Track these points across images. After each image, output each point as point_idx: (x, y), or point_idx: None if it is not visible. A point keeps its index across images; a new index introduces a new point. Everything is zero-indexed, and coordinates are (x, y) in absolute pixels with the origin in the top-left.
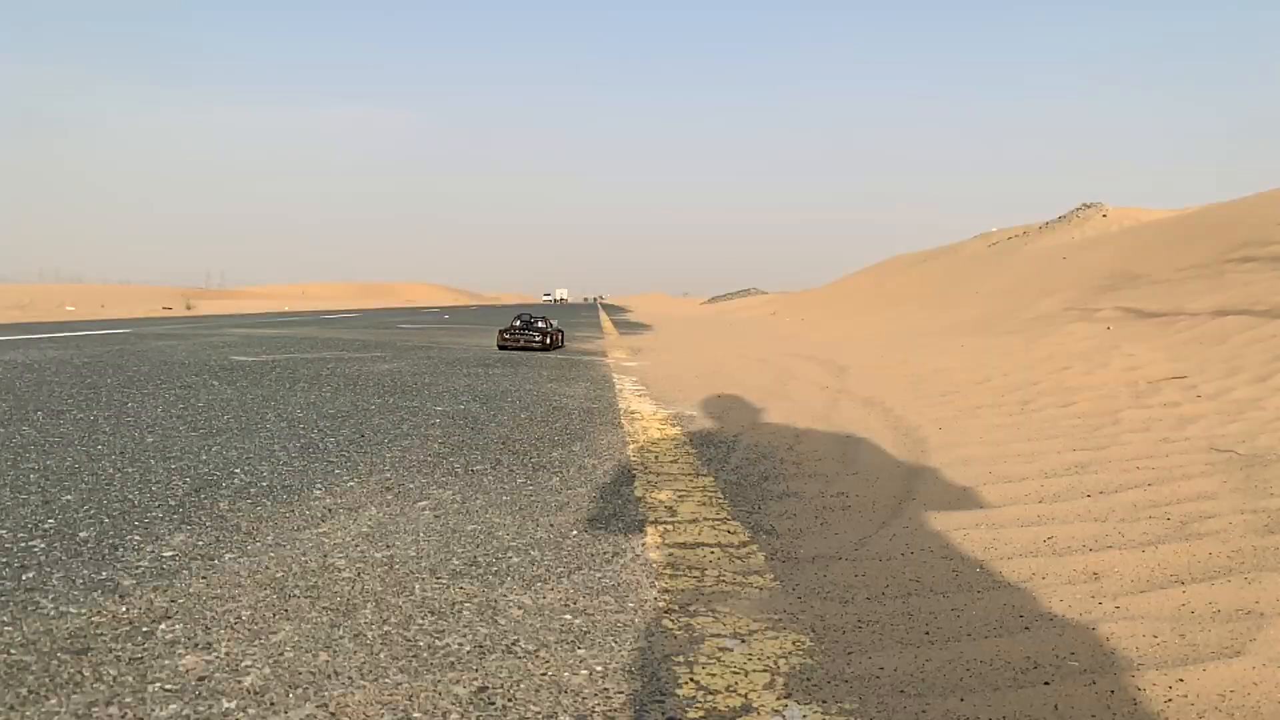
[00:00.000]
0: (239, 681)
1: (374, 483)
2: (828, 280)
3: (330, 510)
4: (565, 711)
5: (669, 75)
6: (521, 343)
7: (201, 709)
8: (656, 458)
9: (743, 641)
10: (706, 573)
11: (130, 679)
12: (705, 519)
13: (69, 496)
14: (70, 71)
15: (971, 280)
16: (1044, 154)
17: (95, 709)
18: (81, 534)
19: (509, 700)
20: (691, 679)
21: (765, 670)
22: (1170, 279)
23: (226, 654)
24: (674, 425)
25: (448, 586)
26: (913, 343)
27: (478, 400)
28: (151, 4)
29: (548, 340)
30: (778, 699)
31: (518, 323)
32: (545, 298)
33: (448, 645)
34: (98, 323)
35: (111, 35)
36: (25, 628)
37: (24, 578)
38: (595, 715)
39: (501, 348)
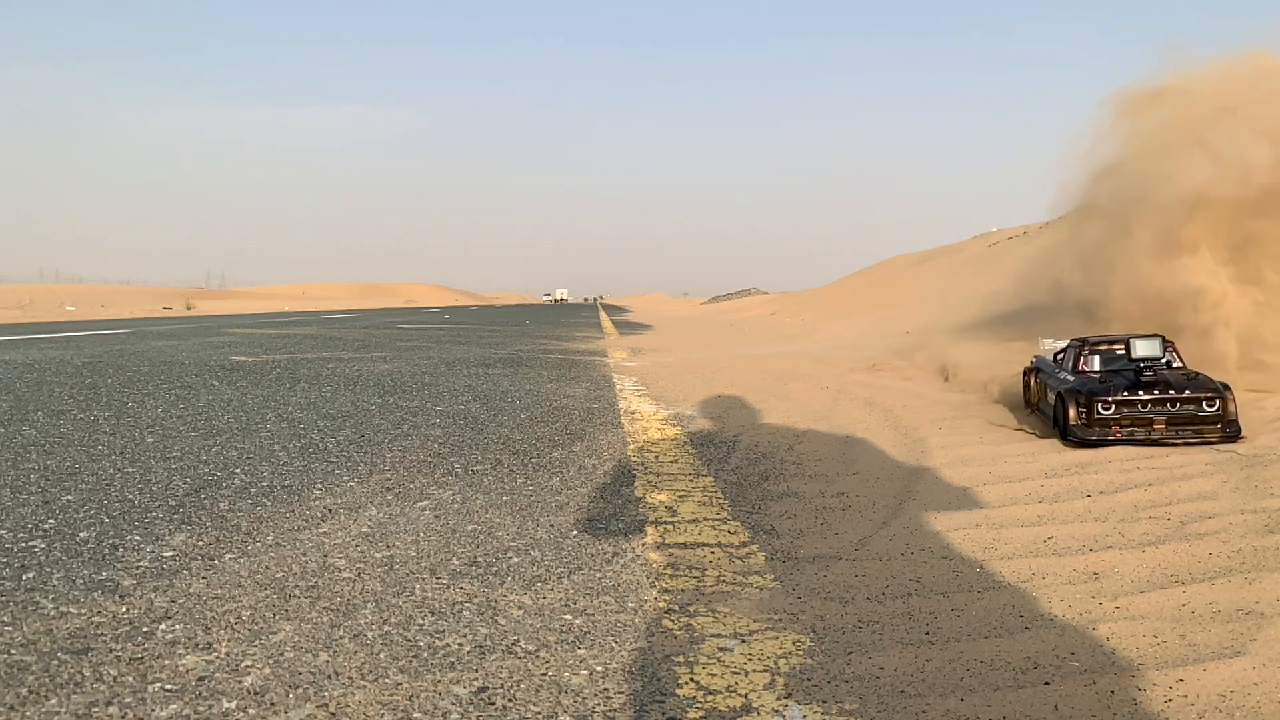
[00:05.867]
0: (239, 681)
1: (374, 483)
2: (829, 280)
3: (330, 510)
4: (565, 712)
5: (669, 75)
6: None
7: (201, 709)
8: (657, 458)
9: (743, 642)
10: (707, 573)
11: (130, 679)
12: (705, 519)
13: (69, 496)
14: (71, 71)
15: (972, 280)
16: (1044, 153)
17: (95, 709)
18: (82, 534)
19: (509, 700)
20: (692, 679)
21: (765, 670)
22: None
23: (227, 654)
24: (674, 425)
25: (448, 587)
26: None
27: (478, 400)
28: (152, 3)
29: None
30: (778, 699)
31: (1099, 353)
32: (545, 298)
33: (448, 645)
34: (98, 323)
35: (112, 35)
36: (25, 628)
37: (24, 578)
38: (595, 715)
39: (1092, 440)
